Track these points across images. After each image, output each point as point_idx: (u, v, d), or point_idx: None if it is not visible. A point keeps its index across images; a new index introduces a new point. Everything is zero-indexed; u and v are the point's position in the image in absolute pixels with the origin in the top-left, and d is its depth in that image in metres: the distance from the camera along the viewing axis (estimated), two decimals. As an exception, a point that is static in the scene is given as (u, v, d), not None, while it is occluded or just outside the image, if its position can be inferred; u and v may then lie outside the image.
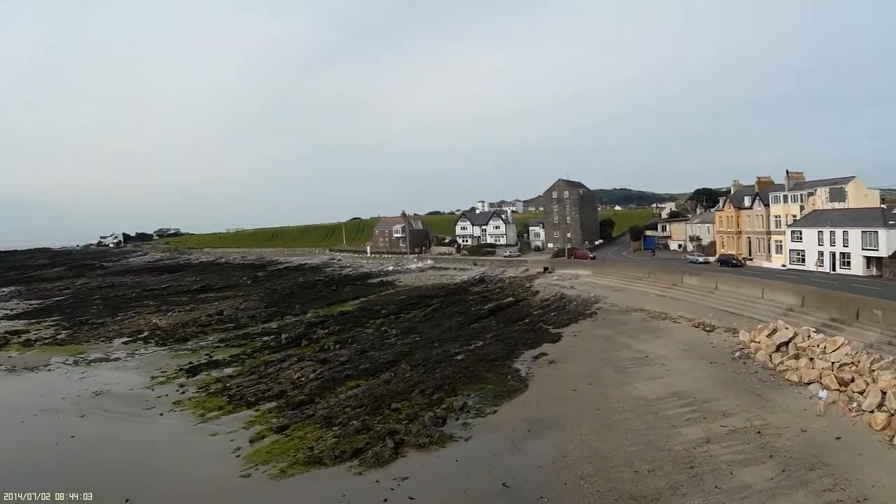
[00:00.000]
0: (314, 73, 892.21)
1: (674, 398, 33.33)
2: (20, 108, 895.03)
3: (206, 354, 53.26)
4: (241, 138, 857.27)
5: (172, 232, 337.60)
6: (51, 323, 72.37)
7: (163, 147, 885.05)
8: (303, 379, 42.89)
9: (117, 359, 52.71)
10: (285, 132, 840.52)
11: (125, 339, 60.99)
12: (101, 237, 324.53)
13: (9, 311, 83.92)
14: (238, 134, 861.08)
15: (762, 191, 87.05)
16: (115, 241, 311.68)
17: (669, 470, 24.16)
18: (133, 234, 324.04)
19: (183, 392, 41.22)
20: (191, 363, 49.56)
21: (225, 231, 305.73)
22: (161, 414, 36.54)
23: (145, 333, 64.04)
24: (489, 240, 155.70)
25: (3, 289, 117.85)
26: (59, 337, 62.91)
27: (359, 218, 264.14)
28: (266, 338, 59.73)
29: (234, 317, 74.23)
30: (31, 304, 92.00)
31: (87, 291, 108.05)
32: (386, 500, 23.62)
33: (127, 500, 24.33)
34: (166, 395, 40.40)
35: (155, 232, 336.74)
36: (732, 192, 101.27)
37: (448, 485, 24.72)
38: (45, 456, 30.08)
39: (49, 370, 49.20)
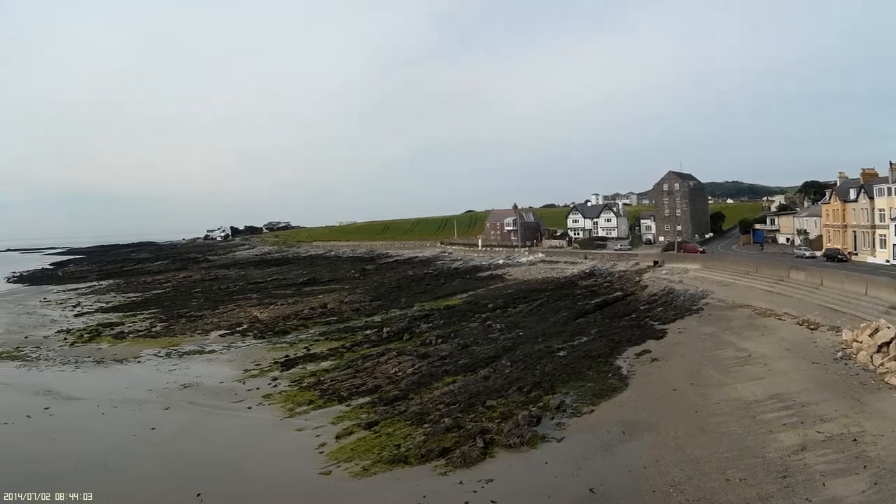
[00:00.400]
0: (428, 69, 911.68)
1: (773, 400, 33.07)
2: (136, 104, 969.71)
3: (305, 348, 55.00)
4: (355, 133, 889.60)
5: (282, 225, 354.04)
6: (147, 316, 77.00)
7: (277, 143, 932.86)
8: (399, 374, 43.46)
9: (212, 351, 55.50)
10: (399, 127, 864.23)
11: (222, 332, 63.99)
12: (207, 230, 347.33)
13: (104, 304, 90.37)
14: (352, 129, 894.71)
15: (867, 183, 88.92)
16: (222, 234, 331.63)
17: (762, 479, 23.85)
18: (242, 228, 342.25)
19: (275, 386, 42.62)
20: (287, 356, 51.27)
21: (337, 224, 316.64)
22: (249, 407, 37.90)
23: (244, 326, 67.06)
24: (600, 233, 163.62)
25: (102, 282, 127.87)
26: (153, 329, 66.89)
27: (472, 211, 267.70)
28: (368, 331, 61.23)
29: (338, 310, 76.74)
30: (128, 297, 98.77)
31: (188, 284, 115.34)
32: (467, 502, 23.61)
33: (199, 495, 25.19)
34: (257, 389, 41.88)
35: (264, 225, 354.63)
36: (838, 184, 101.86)
37: (533, 488, 24.78)
38: (121, 447, 31.76)
39: (139, 362, 52.18)
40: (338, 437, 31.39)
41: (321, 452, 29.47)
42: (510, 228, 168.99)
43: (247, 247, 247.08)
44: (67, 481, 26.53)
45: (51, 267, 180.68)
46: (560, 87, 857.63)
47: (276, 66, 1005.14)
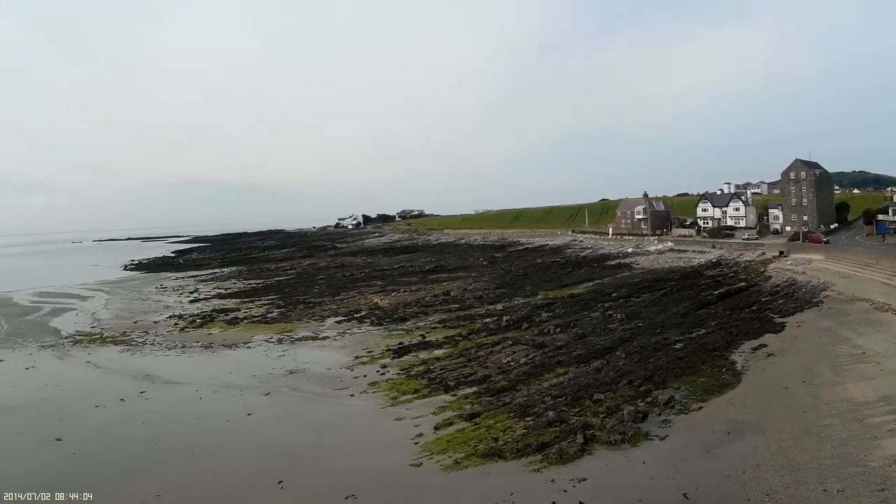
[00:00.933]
0: (563, 56, 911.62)
1: (882, 403, 30.74)
2: (287, 99, 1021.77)
3: (420, 335, 55.38)
4: (492, 121, 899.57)
5: (415, 213, 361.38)
6: (265, 302, 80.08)
7: (414, 133, 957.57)
8: (511, 363, 42.82)
9: (325, 337, 56.74)
10: (534, 115, 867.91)
11: (339, 319, 65.52)
12: (339, 218, 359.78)
13: (223, 291, 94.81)
14: (490, 117, 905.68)
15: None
16: (353, 222, 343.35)
17: (859, 491, 21.96)
18: (374, 216, 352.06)
19: (382, 373, 42.86)
20: (401, 344, 51.75)
21: (472, 212, 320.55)
22: (352, 395, 38.16)
23: (362, 313, 68.44)
24: (729, 222, 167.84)
25: (224, 269, 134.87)
26: (269, 315, 69.22)
27: (606, 199, 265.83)
28: (487, 320, 61.07)
29: (461, 297, 77.27)
30: (248, 284, 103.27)
31: (312, 272, 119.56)
32: (554, 502, 22.49)
33: (279, 482, 25.35)
34: (364, 377, 42.21)
35: (397, 213, 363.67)
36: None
37: (625, 490, 23.70)
38: (212, 433, 32.71)
39: (249, 348, 53.86)
40: (436, 428, 31.00)
41: (416, 443, 29.14)
42: (640, 217, 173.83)
43: (377, 234, 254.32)
44: (145, 467, 27.73)
45: (172, 255, 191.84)
46: (695, 74, 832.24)
47: (410, 57, 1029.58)
